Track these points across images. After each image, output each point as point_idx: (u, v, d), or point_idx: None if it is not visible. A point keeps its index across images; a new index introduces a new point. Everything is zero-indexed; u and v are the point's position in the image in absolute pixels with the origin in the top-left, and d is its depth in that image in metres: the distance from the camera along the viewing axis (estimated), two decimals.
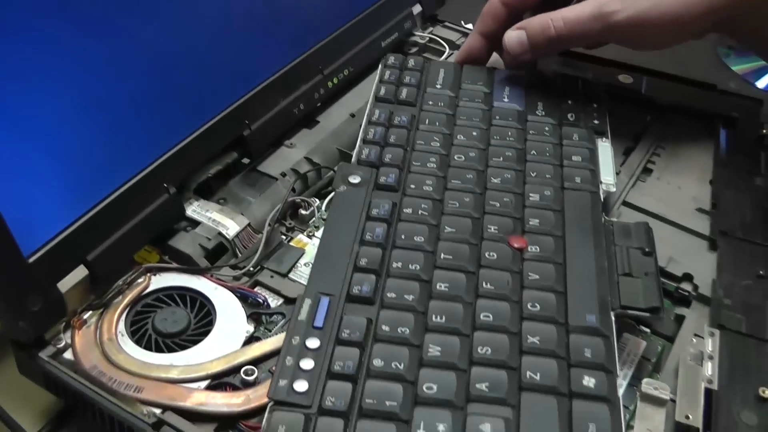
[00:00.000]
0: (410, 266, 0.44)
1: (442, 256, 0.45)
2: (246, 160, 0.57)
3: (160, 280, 0.48)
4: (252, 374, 0.43)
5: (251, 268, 0.49)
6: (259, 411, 0.41)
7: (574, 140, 0.55)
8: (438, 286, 0.43)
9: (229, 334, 0.46)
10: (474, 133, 0.54)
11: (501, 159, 0.53)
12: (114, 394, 0.42)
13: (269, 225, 0.51)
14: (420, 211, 0.48)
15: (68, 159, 0.45)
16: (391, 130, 0.54)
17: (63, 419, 0.46)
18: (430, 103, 0.57)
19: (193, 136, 0.52)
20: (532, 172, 0.52)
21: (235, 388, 0.43)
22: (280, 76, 0.58)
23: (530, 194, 0.50)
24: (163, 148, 0.50)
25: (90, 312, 0.46)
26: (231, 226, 0.51)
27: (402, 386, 0.39)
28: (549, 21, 0.55)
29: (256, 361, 0.44)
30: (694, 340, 0.47)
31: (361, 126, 0.56)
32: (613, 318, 0.43)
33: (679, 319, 0.49)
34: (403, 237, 0.46)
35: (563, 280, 0.45)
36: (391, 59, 0.61)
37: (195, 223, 0.52)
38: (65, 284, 0.44)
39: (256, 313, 0.47)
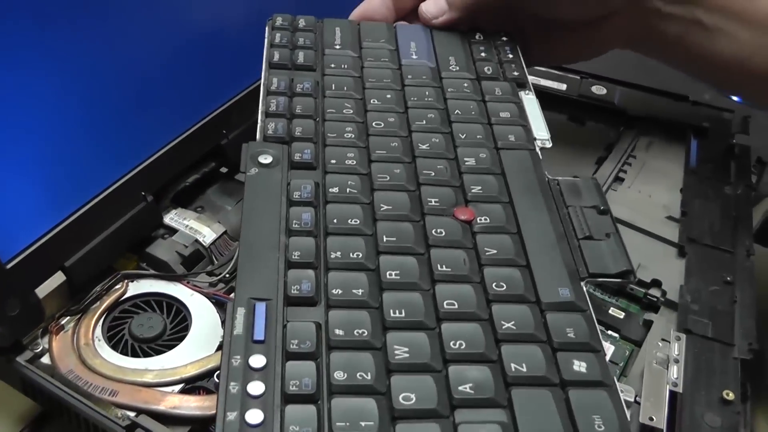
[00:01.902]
0: (351, 255, 0.38)
1: (384, 239, 0.39)
2: (224, 169, 0.58)
3: (138, 287, 0.49)
4: None
5: (227, 275, 0.49)
6: None
7: (498, 95, 0.51)
8: (388, 275, 0.38)
9: (204, 339, 0.46)
10: (388, 96, 0.49)
11: (424, 122, 0.47)
12: (89, 397, 0.42)
13: None
14: (348, 189, 0.42)
15: (47, 166, 0.45)
16: (295, 99, 0.48)
17: (40, 423, 0.46)
18: (332, 66, 0.51)
19: (171, 145, 0.52)
20: (461, 134, 0.47)
21: (208, 391, 0.43)
22: (259, 85, 0.57)
23: (465, 159, 0.45)
24: (141, 157, 0.50)
25: (67, 317, 0.46)
26: (208, 234, 0.52)
27: (374, 400, 0.33)
28: None
29: None
30: (661, 344, 0.47)
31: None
32: (584, 289, 0.39)
33: (648, 324, 0.50)
34: (335, 221, 0.40)
35: (523, 251, 0.41)
36: (279, 20, 0.54)
37: (172, 231, 0.52)
38: (43, 290, 0.45)
39: None
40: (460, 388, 0.34)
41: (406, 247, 0.40)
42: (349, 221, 0.40)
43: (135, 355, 0.45)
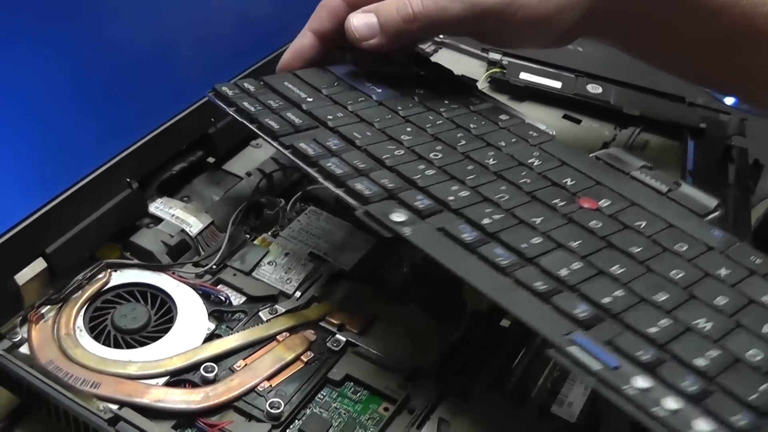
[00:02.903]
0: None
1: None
2: (211, 159, 0.56)
3: (121, 276, 0.47)
4: (212, 371, 0.42)
5: (214, 266, 0.48)
6: (218, 408, 0.41)
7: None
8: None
9: (190, 331, 0.45)
10: (408, 129, 0.48)
11: (463, 142, 0.47)
12: (70, 389, 0.40)
13: (233, 223, 0.50)
14: (491, 218, 0.40)
15: (28, 149, 0.44)
16: (344, 156, 0.45)
17: (18, 416, 0.44)
18: (330, 117, 0.47)
19: (158, 132, 0.51)
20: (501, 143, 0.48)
21: (194, 385, 0.42)
22: (250, 73, 0.57)
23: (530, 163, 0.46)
24: (126, 142, 0.49)
25: (48, 306, 0.45)
26: (194, 224, 0.51)
27: None
28: (405, 0, 0.47)
29: (217, 359, 0.43)
30: None
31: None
32: None
33: None
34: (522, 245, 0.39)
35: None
36: (225, 89, 0.49)
37: (158, 220, 0.51)
38: (23, 277, 0.44)
39: (218, 311, 0.46)
40: None
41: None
42: (523, 246, 0.39)
43: (118, 346, 0.44)
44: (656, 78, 0.64)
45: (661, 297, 0.36)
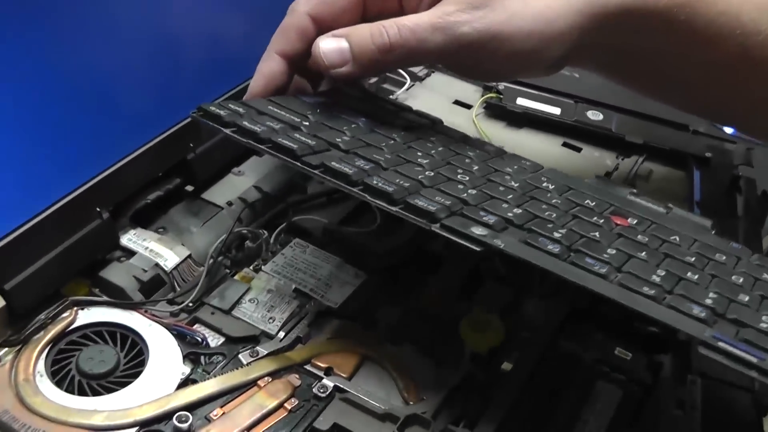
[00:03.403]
0: None
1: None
2: (189, 187, 0.54)
3: (88, 315, 0.44)
4: (185, 421, 0.39)
5: (190, 304, 0.46)
6: None
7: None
8: None
9: (163, 375, 0.42)
10: (419, 153, 0.46)
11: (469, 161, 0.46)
12: None
13: (212, 257, 0.48)
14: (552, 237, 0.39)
15: None
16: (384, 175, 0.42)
17: None
18: (338, 140, 0.44)
19: (131, 157, 0.48)
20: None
21: None
22: (232, 96, 0.54)
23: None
24: (97, 168, 0.46)
25: (5, 349, 0.41)
26: (170, 257, 0.48)
27: None
28: (381, 27, 0.44)
29: (191, 407, 0.40)
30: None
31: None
32: None
33: (657, 367, 0.47)
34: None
35: None
36: (216, 110, 0.44)
37: (130, 253, 0.48)
38: None
39: (194, 353, 0.43)
40: None
41: None
42: (605, 256, 0.39)
43: (82, 393, 0.40)
44: (659, 105, 0.62)
45: (744, 297, 0.37)
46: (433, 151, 0.46)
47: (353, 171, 0.40)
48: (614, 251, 0.39)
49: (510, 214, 0.40)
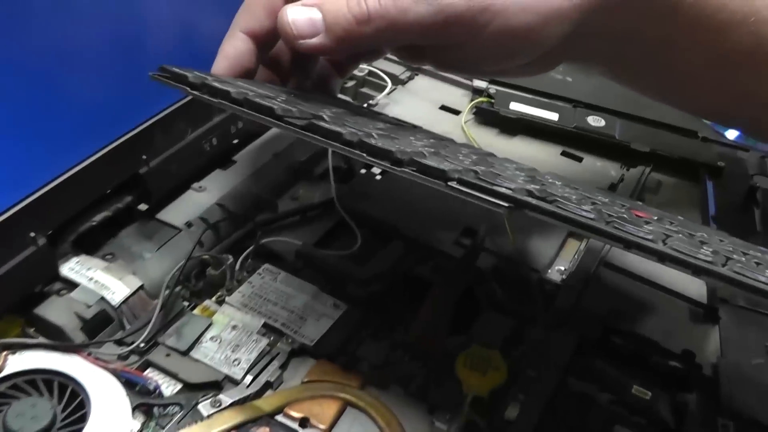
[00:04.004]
0: None
1: None
2: (143, 206, 0.51)
3: (20, 361, 0.40)
4: None
5: (142, 345, 0.42)
6: None
7: None
8: None
9: None
10: (433, 141, 0.43)
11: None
12: None
13: (168, 288, 0.44)
14: None
15: None
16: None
17: None
18: (321, 114, 0.39)
19: (72, 173, 0.44)
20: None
21: None
22: (190, 101, 0.50)
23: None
24: (30, 187, 0.43)
25: None
26: (118, 290, 0.44)
27: None
28: None
29: None
30: None
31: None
32: None
33: (681, 407, 0.43)
34: None
35: None
36: (181, 71, 0.38)
37: (72, 285, 0.45)
38: None
39: (146, 404, 0.40)
40: None
41: None
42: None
43: None
44: (665, 109, 0.57)
45: None
46: (423, 140, 0.42)
47: (346, 131, 0.35)
48: (651, 228, 0.34)
49: (529, 187, 0.35)
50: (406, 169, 0.33)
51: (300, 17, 0.39)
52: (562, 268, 0.49)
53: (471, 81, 0.64)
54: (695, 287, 0.49)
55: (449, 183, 0.32)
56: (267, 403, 0.40)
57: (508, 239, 0.50)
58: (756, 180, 0.58)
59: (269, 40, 0.43)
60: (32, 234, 0.42)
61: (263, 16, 0.42)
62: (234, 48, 0.42)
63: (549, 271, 0.49)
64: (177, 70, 0.38)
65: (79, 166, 0.45)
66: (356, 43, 0.40)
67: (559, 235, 0.51)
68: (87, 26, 0.44)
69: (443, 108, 0.63)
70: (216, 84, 0.36)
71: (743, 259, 0.35)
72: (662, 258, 0.30)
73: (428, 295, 0.46)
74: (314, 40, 0.39)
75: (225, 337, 0.43)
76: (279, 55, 0.44)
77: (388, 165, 0.33)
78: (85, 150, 0.45)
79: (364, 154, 0.33)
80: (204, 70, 0.41)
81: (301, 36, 0.39)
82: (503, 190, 0.32)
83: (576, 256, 0.50)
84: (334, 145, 0.34)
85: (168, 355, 0.42)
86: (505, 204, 0.31)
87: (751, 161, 0.60)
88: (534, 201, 0.31)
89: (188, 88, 0.37)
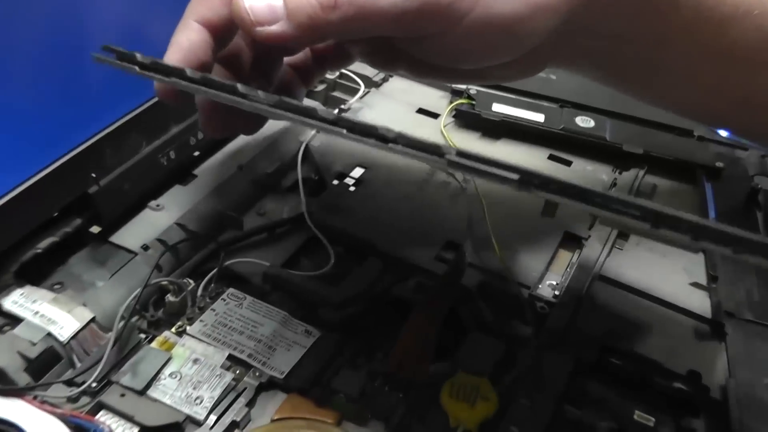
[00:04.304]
0: None
1: None
2: (95, 228, 0.48)
3: None
4: None
5: (93, 384, 0.39)
6: None
7: None
8: None
9: None
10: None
11: None
12: None
13: (123, 319, 0.41)
14: None
15: None
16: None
17: None
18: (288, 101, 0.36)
19: (12, 195, 0.42)
20: None
21: None
22: (143, 111, 0.48)
23: None
24: None
25: None
26: (66, 323, 0.41)
27: None
28: None
29: None
30: None
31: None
32: None
33: None
34: None
35: None
36: (124, 51, 0.36)
37: (14, 321, 0.42)
38: None
39: None
40: None
41: None
42: None
43: None
44: (651, 110, 0.56)
45: None
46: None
47: (321, 110, 0.32)
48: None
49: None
50: (395, 146, 0.30)
51: (258, 2, 0.35)
52: (554, 283, 0.46)
53: None
54: (698, 301, 0.46)
55: (447, 156, 0.29)
56: None
57: (494, 252, 0.47)
58: (757, 181, 0.55)
59: (226, 32, 0.39)
60: None
61: (219, 3, 0.38)
62: (187, 39, 0.38)
63: (539, 286, 0.46)
64: (123, 50, 0.35)
65: (20, 187, 0.42)
66: (321, 33, 0.36)
67: (549, 247, 0.48)
68: (23, 29, 0.41)
69: (420, 111, 0.60)
70: (169, 64, 0.33)
71: None
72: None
73: (409, 317, 0.43)
74: (274, 28, 0.36)
75: (186, 373, 0.39)
76: (237, 52, 0.40)
77: (374, 141, 0.30)
78: (26, 169, 0.43)
79: (344, 131, 0.30)
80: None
81: (258, 23, 0.36)
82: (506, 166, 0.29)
83: (568, 269, 0.47)
84: (309, 122, 0.31)
85: (123, 395, 0.39)
86: (515, 176, 0.28)
87: (751, 161, 0.57)
88: (545, 174, 0.28)
89: (137, 68, 0.34)
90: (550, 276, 0.47)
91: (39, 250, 0.44)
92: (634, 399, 0.41)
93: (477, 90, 0.59)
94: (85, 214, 0.47)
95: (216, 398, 0.38)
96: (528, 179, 0.28)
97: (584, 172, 0.55)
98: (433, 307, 0.43)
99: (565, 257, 0.48)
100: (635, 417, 0.41)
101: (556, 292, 0.45)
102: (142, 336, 0.42)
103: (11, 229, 0.42)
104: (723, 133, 0.63)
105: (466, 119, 0.58)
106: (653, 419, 0.40)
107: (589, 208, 0.28)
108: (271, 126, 0.52)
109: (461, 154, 0.29)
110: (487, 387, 0.40)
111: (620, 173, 0.56)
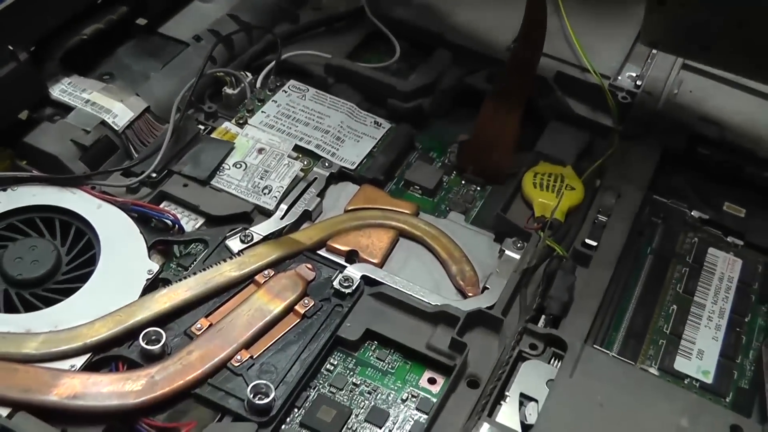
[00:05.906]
0: None
1: None
2: (141, 20, 0.45)
3: (13, 198, 0.36)
4: (158, 340, 0.31)
5: (153, 174, 0.38)
6: (169, 401, 0.30)
7: None
8: None
9: (122, 277, 0.34)
10: None
11: None
12: None
13: (178, 110, 0.39)
14: None
15: None
16: None
17: None
18: None
19: None
20: None
21: (131, 364, 0.31)
22: None
23: None
24: None
25: None
26: (120, 113, 0.39)
27: None
28: None
29: (164, 319, 0.32)
30: None
31: None
32: None
33: None
34: None
35: None
36: None
37: (65, 109, 0.39)
38: None
39: (164, 242, 0.36)
40: None
41: None
42: None
43: (10, 308, 0.33)
44: None
45: None
46: None
47: None
48: None
49: None
50: None
51: None
52: (634, 75, 0.43)
53: None
54: None
55: None
56: (306, 235, 0.36)
57: (570, 42, 0.44)
58: None
59: None
60: (10, 47, 0.37)
61: None
62: None
63: (619, 77, 0.43)
64: None
65: None
66: None
67: (628, 35, 0.45)
68: None
69: None
70: None
71: None
72: None
73: (482, 106, 0.40)
74: None
75: (251, 163, 0.38)
76: None
77: None
78: None
79: None
80: None
81: None
82: None
83: (649, 60, 0.43)
84: None
85: (185, 185, 0.37)
86: None
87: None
88: None
89: None
90: (629, 68, 0.44)
91: (84, 37, 0.41)
92: (723, 190, 0.39)
93: None
94: (133, 3, 0.44)
95: (285, 188, 0.37)
96: None
97: None
98: (508, 94, 0.40)
99: (644, 48, 0.45)
100: (725, 208, 0.39)
101: (638, 83, 0.42)
102: (201, 127, 0.40)
103: (53, 11, 0.39)
104: None
105: None
106: (744, 210, 0.39)
107: None
108: None
109: None
110: (572, 175, 0.38)
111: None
